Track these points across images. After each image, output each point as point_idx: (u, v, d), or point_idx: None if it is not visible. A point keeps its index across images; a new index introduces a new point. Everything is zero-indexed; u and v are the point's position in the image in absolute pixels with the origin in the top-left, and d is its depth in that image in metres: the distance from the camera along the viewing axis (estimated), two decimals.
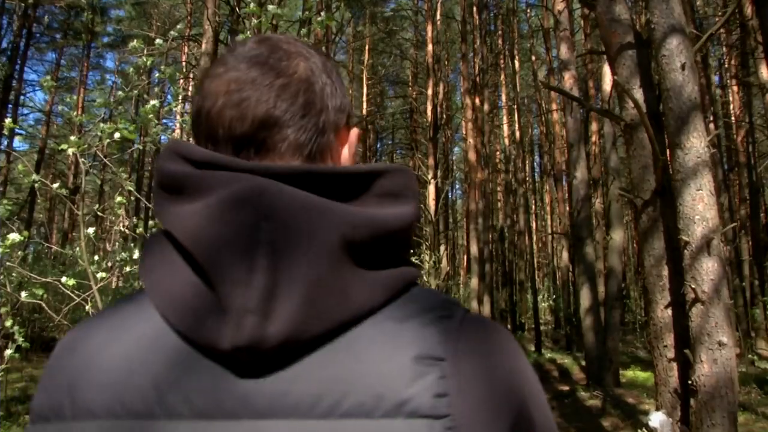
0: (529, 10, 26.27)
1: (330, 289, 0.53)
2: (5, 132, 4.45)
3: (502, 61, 24.67)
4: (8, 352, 3.96)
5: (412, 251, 0.63)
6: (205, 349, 0.54)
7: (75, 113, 4.28)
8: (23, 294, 4.00)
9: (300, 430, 0.51)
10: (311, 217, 0.54)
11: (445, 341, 0.55)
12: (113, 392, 0.55)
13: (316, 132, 0.65)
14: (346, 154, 0.70)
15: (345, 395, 0.51)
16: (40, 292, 4.01)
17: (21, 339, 3.99)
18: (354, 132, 0.71)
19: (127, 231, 4.64)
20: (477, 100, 19.61)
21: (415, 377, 0.52)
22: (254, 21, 4.02)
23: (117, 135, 3.94)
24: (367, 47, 26.89)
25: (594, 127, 17.89)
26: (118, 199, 4.42)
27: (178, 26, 5.31)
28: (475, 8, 20.96)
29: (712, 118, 16.00)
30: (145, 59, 4.30)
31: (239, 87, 0.63)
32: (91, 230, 4.11)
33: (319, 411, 0.51)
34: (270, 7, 3.92)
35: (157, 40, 4.37)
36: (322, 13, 4.05)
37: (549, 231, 29.58)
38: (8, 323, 3.96)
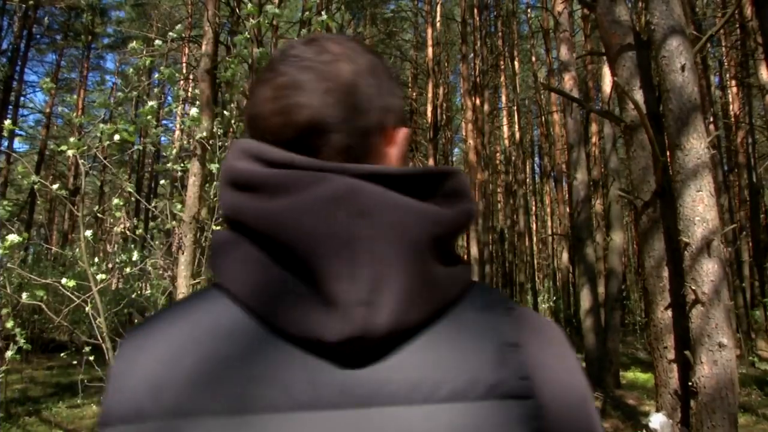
0: (529, 11, 26.28)
1: (423, 282, 0.57)
2: (5, 133, 4.45)
3: (502, 63, 24.68)
4: (9, 353, 3.96)
5: None
6: (301, 341, 0.55)
7: (75, 114, 4.27)
8: (24, 295, 4.00)
9: (401, 417, 0.53)
10: (403, 214, 0.57)
11: (518, 330, 0.60)
12: (204, 389, 0.54)
13: (361, 135, 0.66)
14: (394, 155, 0.70)
15: (442, 381, 0.54)
16: (41, 293, 4.01)
17: (23, 340, 3.99)
18: (403, 131, 0.71)
19: (127, 233, 4.64)
20: (477, 101, 19.62)
21: (502, 362, 0.56)
22: (252, 21, 4.02)
23: (116, 137, 3.95)
24: None
25: (594, 128, 17.89)
26: (116, 201, 4.42)
27: (178, 27, 5.31)
28: (475, 9, 20.98)
29: (711, 119, 16.00)
30: (144, 60, 4.30)
31: (285, 93, 0.64)
32: (89, 232, 4.11)
33: (418, 397, 0.54)
34: (268, 7, 3.92)
35: (157, 41, 4.37)
36: (323, 13, 4.04)
37: (549, 232, 29.59)
38: (9, 324, 3.96)
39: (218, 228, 4.79)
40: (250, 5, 4.00)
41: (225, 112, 4.83)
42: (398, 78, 0.75)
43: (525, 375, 0.56)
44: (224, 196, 0.63)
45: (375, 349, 0.55)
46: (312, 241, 0.55)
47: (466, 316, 0.59)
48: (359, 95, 0.66)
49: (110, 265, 4.72)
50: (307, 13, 4.80)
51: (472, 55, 20.72)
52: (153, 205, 5.38)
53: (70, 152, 3.82)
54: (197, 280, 4.33)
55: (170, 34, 4.58)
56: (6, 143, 18.45)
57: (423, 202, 0.60)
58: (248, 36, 4.27)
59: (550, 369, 0.59)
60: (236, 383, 0.54)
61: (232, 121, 4.79)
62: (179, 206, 4.65)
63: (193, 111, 4.21)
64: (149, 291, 5.24)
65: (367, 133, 0.66)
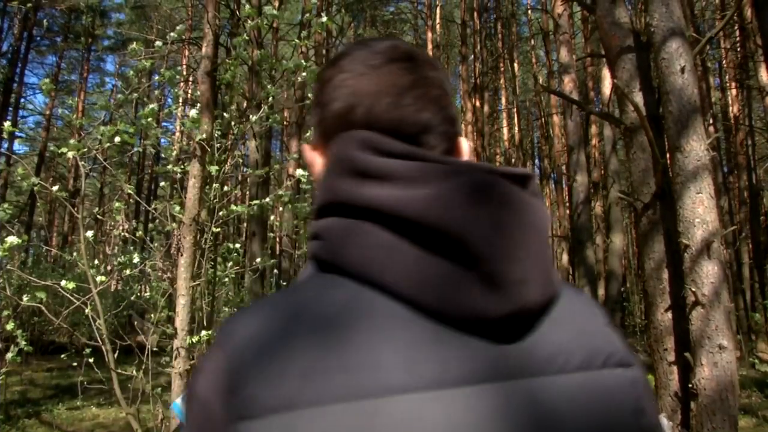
0: (530, 13, 26.29)
1: (549, 267, 0.62)
2: (5, 135, 4.45)
3: (501, 65, 24.69)
4: (9, 355, 3.95)
5: None
6: (459, 320, 0.57)
7: (75, 116, 4.28)
8: (24, 297, 4.00)
9: (543, 387, 0.58)
10: (530, 207, 0.62)
11: (604, 313, 0.69)
12: (361, 372, 0.54)
13: (450, 140, 0.72)
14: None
15: (572, 353, 0.60)
16: (41, 295, 4.00)
17: (23, 342, 3.99)
18: (466, 141, 0.77)
19: (126, 234, 4.64)
20: (477, 103, 19.62)
21: (610, 335, 0.65)
22: (251, 23, 4.02)
23: (117, 138, 3.95)
24: None
25: (594, 130, 17.90)
26: (117, 204, 4.42)
27: (178, 28, 5.31)
28: (475, 12, 20.99)
29: (711, 121, 16.01)
30: (144, 62, 4.30)
31: (400, 92, 0.69)
32: (90, 233, 4.11)
33: (556, 367, 0.59)
34: (266, 8, 3.92)
35: (157, 43, 4.37)
36: (323, 14, 4.05)
37: (549, 234, 29.58)
38: (9, 326, 3.96)
39: (218, 230, 4.79)
40: (248, 7, 4.01)
41: (225, 114, 4.83)
42: None
43: (623, 348, 0.64)
44: (340, 183, 0.64)
45: (525, 325, 0.60)
46: (468, 225, 0.58)
47: (573, 299, 0.66)
48: (452, 105, 0.74)
49: (109, 267, 4.72)
50: (307, 15, 4.81)
51: (471, 57, 20.74)
52: (153, 207, 5.38)
53: (70, 154, 3.82)
54: (197, 282, 4.33)
55: (170, 35, 4.58)
56: (6, 145, 18.45)
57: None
58: (247, 38, 4.27)
59: (628, 348, 0.66)
60: (395, 364, 0.54)
61: (232, 123, 4.78)
62: (177, 208, 4.64)
63: (193, 112, 4.20)
64: (149, 293, 5.24)
65: (454, 138, 0.73)
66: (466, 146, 0.76)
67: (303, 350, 0.55)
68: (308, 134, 5.22)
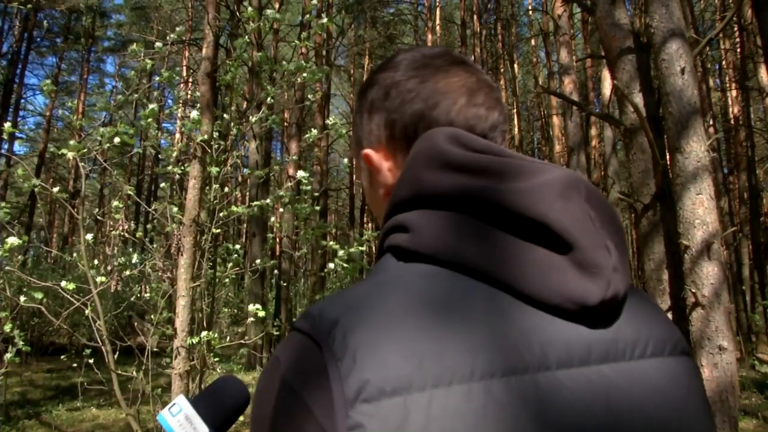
0: (531, 14, 26.29)
1: (626, 260, 0.65)
2: (4, 136, 4.45)
3: (501, 66, 24.71)
4: (8, 355, 3.95)
5: None
6: (556, 306, 0.60)
7: (75, 117, 4.28)
8: (22, 298, 4.00)
9: (631, 370, 0.62)
10: (608, 205, 0.67)
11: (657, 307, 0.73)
12: (472, 354, 0.54)
13: (505, 138, 0.79)
14: None
15: (648, 340, 0.64)
16: (39, 295, 4.00)
17: (21, 343, 3.99)
18: None
19: (126, 235, 4.64)
20: None
21: (671, 326, 0.69)
22: (252, 25, 4.02)
23: (117, 139, 3.95)
24: (367, 51, 26.94)
25: (594, 131, 17.91)
26: (115, 203, 4.42)
27: (178, 29, 5.32)
28: (474, 13, 21.00)
29: (711, 122, 16.01)
30: (145, 63, 4.30)
31: (473, 92, 0.76)
32: (90, 235, 4.11)
33: (636, 353, 0.63)
34: (268, 11, 3.92)
35: (157, 44, 4.37)
36: (323, 16, 4.05)
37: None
38: (7, 328, 3.96)
39: (218, 231, 4.79)
40: (250, 9, 4.01)
41: (225, 115, 4.83)
42: None
43: (683, 339, 0.68)
44: (429, 176, 0.67)
45: (613, 311, 0.63)
46: (566, 217, 0.61)
47: (636, 293, 0.69)
48: (504, 106, 0.80)
49: (109, 268, 4.72)
50: (307, 16, 4.81)
51: (471, 58, 20.74)
52: (153, 207, 5.38)
53: (70, 155, 3.82)
54: (197, 283, 4.33)
55: (170, 36, 4.58)
56: (6, 146, 18.46)
57: None
58: (248, 39, 4.28)
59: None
60: (506, 347, 0.56)
61: (231, 124, 4.79)
62: (176, 209, 4.64)
63: (194, 113, 4.21)
64: (149, 294, 5.24)
65: (505, 138, 0.79)
66: None
67: (417, 334, 0.54)
68: (309, 135, 5.22)
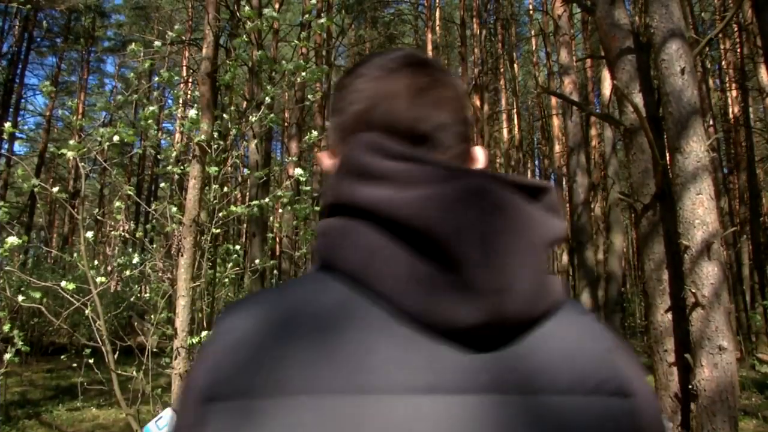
0: (531, 14, 26.28)
1: (543, 280, 0.60)
2: (4, 136, 4.46)
3: (501, 66, 24.70)
4: (7, 356, 3.95)
5: None
6: (436, 327, 0.56)
7: (75, 117, 4.28)
8: (20, 298, 4.00)
9: (523, 405, 0.55)
10: (527, 215, 0.61)
11: (611, 338, 0.64)
12: (318, 368, 0.55)
13: (467, 142, 0.74)
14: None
15: (559, 373, 0.57)
16: (37, 295, 4.00)
17: (20, 343, 3.99)
18: (481, 149, 0.79)
19: (126, 235, 4.64)
20: (477, 104, 19.62)
21: (609, 360, 0.60)
22: (249, 24, 4.02)
23: (116, 138, 3.95)
24: (367, 51, 26.94)
25: (594, 131, 17.90)
26: (116, 204, 4.42)
27: (177, 27, 5.32)
28: (474, 13, 21.00)
29: (711, 122, 16.01)
30: (144, 63, 4.30)
31: (417, 92, 0.71)
32: (90, 234, 4.11)
33: (538, 386, 0.56)
34: (266, 11, 3.91)
35: (156, 43, 4.37)
36: (323, 15, 4.05)
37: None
38: (6, 327, 3.96)
39: (218, 231, 4.79)
40: (248, 8, 4.01)
41: (224, 115, 4.83)
42: None
43: (626, 375, 0.60)
44: (344, 185, 0.65)
45: (502, 337, 0.58)
46: (452, 229, 0.57)
47: (572, 318, 0.63)
48: (467, 108, 0.75)
49: (109, 268, 4.72)
50: (306, 16, 4.81)
51: (471, 57, 20.74)
52: (153, 208, 5.38)
53: (69, 155, 3.82)
54: (197, 283, 4.32)
55: (169, 34, 4.58)
56: (6, 146, 18.46)
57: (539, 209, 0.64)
58: (247, 39, 4.28)
59: (636, 376, 0.62)
60: (353, 365, 0.55)
61: (230, 124, 4.79)
62: (174, 209, 4.64)
63: (192, 113, 4.20)
64: (149, 294, 5.23)
65: (468, 141, 0.75)
66: (481, 154, 0.78)
67: (294, 345, 0.56)
68: (308, 137, 5.22)
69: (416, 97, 0.71)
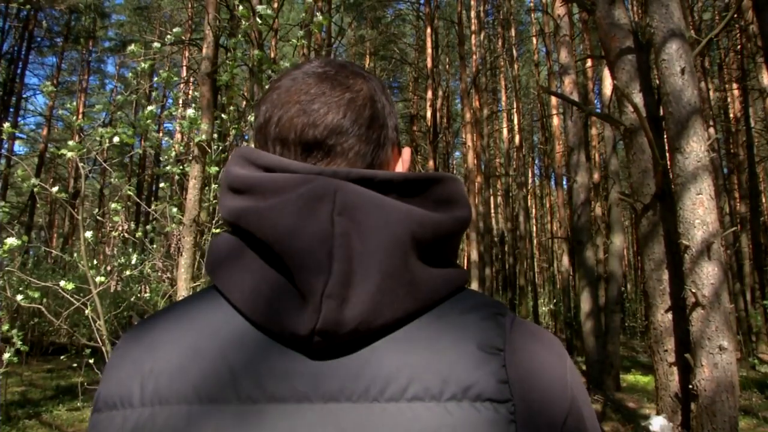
0: (533, 14, 26.28)
1: (400, 280, 0.57)
2: (4, 136, 4.47)
3: (501, 65, 24.69)
4: (6, 355, 3.95)
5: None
6: (280, 335, 0.57)
7: (75, 117, 4.28)
8: (19, 297, 3.99)
9: (369, 413, 0.54)
10: (382, 213, 0.59)
11: (504, 335, 0.59)
12: (183, 377, 0.58)
13: (378, 145, 0.70)
14: (400, 169, 0.75)
15: (412, 380, 0.55)
16: (36, 295, 4.00)
17: (19, 342, 3.98)
18: (407, 150, 0.77)
19: (126, 235, 4.64)
20: (477, 104, 19.63)
21: (480, 364, 0.56)
22: (244, 23, 4.01)
23: (116, 139, 3.94)
24: (367, 52, 26.94)
25: (594, 131, 17.90)
26: (114, 205, 4.42)
27: (176, 29, 5.30)
28: (472, 12, 21.00)
29: (712, 122, 16.01)
30: (144, 63, 4.30)
31: (311, 98, 0.69)
32: (89, 234, 4.11)
33: (388, 394, 0.54)
34: (259, 7, 3.90)
35: (155, 43, 4.38)
36: (318, 15, 4.04)
37: (549, 235, 29.58)
38: (5, 327, 3.95)
39: (218, 231, 4.79)
40: (241, 8, 4.00)
41: (223, 115, 4.83)
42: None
43: (503, 378, 0.56)
44: (223, 200, 0.66)
45: (345, 343, 0.56)
46: (288, 237, 0.57)
47: (449, 318, 0.60)
48: (377, 110, 0.71)
49: (109, 268, 4.72)
50: (303, 15, 4.81)
51: (471, 58, 20.74)
52: (153, 208, 5.38)
53: (69, 155, 3.82)
54: (197, 283, 4.32)
55: (169, 36, 4.58)
56: (6, 146, 18.46)
57: (408, 204, 0.62)
58: (241, 39, 4.28)
59: (534, 377, 0.58)
60: (217, 374, 0.57)
61: (229, 124, 4.78)
62: (175, 209, 4.64)
63: (189, 112, 4.20)
64: (148, 294, 5.23)
65: (381, 145, 0.71)
66: (406, 155, 0.76)
67: (143, 355, 0.61)
68: None
69: (310, 103, 0.68)
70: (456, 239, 0.66)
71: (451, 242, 0.65)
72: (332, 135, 0.67)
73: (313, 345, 0.56)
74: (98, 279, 4.12)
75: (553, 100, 18.46)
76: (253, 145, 0.76)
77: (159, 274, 4.66)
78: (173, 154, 5.06)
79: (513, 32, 24.51)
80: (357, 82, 0.71)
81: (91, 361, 4.32)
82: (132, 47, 4.07)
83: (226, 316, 0.61)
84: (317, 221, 0.57)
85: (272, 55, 13.24)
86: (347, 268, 0.56)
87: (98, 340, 4.05)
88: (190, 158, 4.45)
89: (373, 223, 0.58)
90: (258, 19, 3.91)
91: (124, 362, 0.62)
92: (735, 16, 12.88)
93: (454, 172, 33.13)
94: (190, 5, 22.69)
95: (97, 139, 4.07)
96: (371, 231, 0.58)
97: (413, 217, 0.60)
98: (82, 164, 4.13)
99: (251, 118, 4.76)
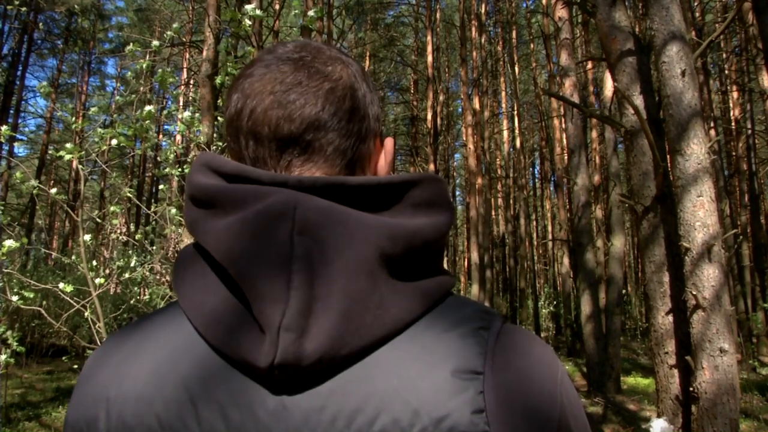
0: (529, 16, 26.31)
1: (367, 304, 0.53)
2: (2, 139, 4.46)
3: (502, 67, 24.71)
4: (3, 357, 3.95)
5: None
6: (241, 365, 0.54)
7: (74, 119, 4.28)
8: (15, 298, 3.99)
9: None
10: (346, 230, 0.54)
11: (484, 353, 0.54)
12: (147, 405, 0.55)
13: (358, 138, 0.65)
14: (382, 162, 0.70)
15: (380, 411, 0.51)
16: (31, 295, 4.00)
17: (15, 344, 3.98)
18: (390, 141, 0.71)
19: (125, 237, 4.64)
20: (477, 106, 19.64)
21: (454, 392, 0.52)
22: (246, 23, 4.01)
23: (114, 141, 3.94)
24: (368, 54, 26.97)
25: (595, 133, 17.89)
26: (112, 208, 4.42)
27: (175, 26, 5.30)
28: (473, 15, 21.02)
29: (712, 124, 16.00)
30: (142, 63, 4.30)
31: (286, 88, 0.63)
32: (88, 237, 4.10)
33: (354, 427, 0.51)
34: (248, 6, 3.88)
35: (154, 42, 4.37)
36: (312, 12, 4.02)
37: (550, 237, 29.58)
38: (1, 329, 3.95)
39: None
40: (229, 11, 4.00)
41: (219, 117, 4.83)
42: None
43: (480, 407, 0.51)
44: (186, 210, 0.62)
45: (309, 376, 0.52)
46: (245, 261, 0.53)
47: (423, 340, 0.55)
48: (358, 99, 0.66)
49: (107, 271, 4.72)
50: (295, 12, 4.81)
51: (472, 59, 20.75)
52: (153, 209, 5.37)
53: (67, 157, 3.82)
54: None
55: (168, 33, 4.57)
56: (7, 147, 18.48)
57: (379, 215, 0.58)
58: (232, 42, 4.28)
59: (517, 400, 0.54)
60: (179, 402, 0.55)
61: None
62: (174, 210, 4.64)
63: (185, 114, 4.20)
64: (147, 296, 5.23)
65: (362, 137, 0.66)
66: (389, 145, 0.71)
67: (96, 381, 0.60)
68: None
69: (285, 94, 0.63)
70: (437, 245, 0.61)
71: (431, 250, 0.60)
72: (310, 130, 0.62)
73: (274, 378, 0.52)
74: (98, 281, 4.12)
75: (554, 102, 18.46)
76: None
77: (158, 276, 4.66)
78: (172, 156, 5.06)
79: (514, 34, 24.55)
80: (336, 68, 0.65)
81: None
82: (130, 46, 4.07)
83: (188, 338, 0.58)
84: (275, 242, 0.53)
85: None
86: (306, 296, 0.52)
87: (98, 342, 4.05)
88: (188, 160, 4.45)
89: (337, 242, 0.53)
90: (248, 21, 3.90)
91: (90, 385, 0.60)
92: (735, 18, 12.88)
93: (455, 174, 33.13)
94: (191, 7, 22.72)
95: (96, 140, 4.07)
96: (334, 250, 0.53)
97: (382, 232, 0.55)
98: (80, 166, 4.13)
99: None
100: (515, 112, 25.12)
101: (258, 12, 3.86)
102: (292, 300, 0.51)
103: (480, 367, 0.53)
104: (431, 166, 19.42)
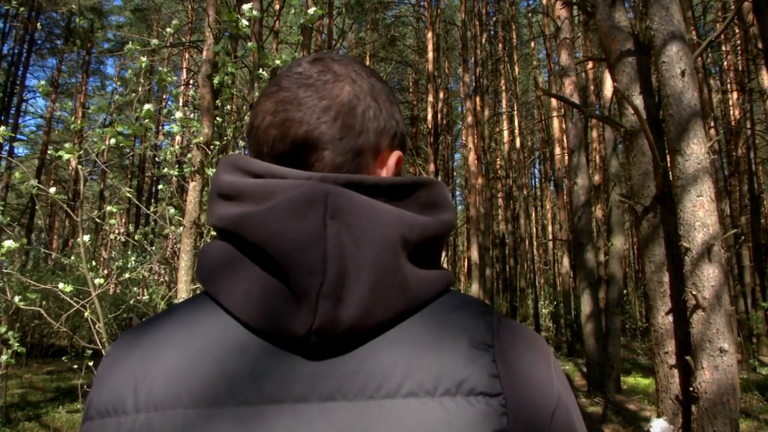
0: (530, 15, 26.31)
1: (392, 279, 0.58)
2: (1, 140, 4.47)
3: (502, 67, 24.71)
4: (3, 357, 3.94)
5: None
6: (277, 337, 0.58)
7: (74, 119, 4.28)
8: (16, 299, 3.99)
9: (366, 410, 0.55)
10: (373, 215, 0.60)
11: (492, 330, 0.61)
12: (179, 382, 0.58)
13: (353, 154, 0.68)
14: (384, 176, 0.72)
15: (407, 376, 0.56)
16: (32, 296, 4.00)
17: (16, 344, 3.98)
18: (395, 155, 0.74)
19: (124, 237, 4.64)
20: (477, 106, 19.63)
21: (471, 359, 0.58)
22: (245, 24, 4.00)
23: (113, 141, 3.94)
24: (368, 54, 26.97)
25: (595, 133, 17.90)
26: (109, 208, 4.41)
27: (174, 22, 5.29)
28: (475, 15, 21.02)
29: (712, 124, 16.01)
30: (141, 62, 4.30)
31: (284, 107, 0.68)
32: (87, 237, 4.10)
33: (384, 391, 0.55)
34: (245, 6, 3.88)
35: (153, 41, 4.37)
36: (312, 9, 4.01)
37: (550, 237, 29.58)
38: (2, 329, 3.95)
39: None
40: (225, 12, 3.99)
41: (218, 117, 4.82)
42: (398, 103, 0.78)
43: (494, 373, 0.57)
44: (213, 207, 0.66)
45: (341, 342, 0.57)
46: (282, 239, 0.57)
47: (439, 316, 0.61)
48: (355, 116, 0.69)
49: (106, 271, 4.72)
50: (293, 11, 4.80)
51: (472, 59, 20.75)
52: (152, 209, 5.37)
53: (66, 157, 3.82)
54: (197, 285, 4.32)
55: (167, 30, 4.56)
56: (7, 147, 18.47)
57: (396, 207, 0.63)
58: (226, 44, 4.27)
59: (522, 371, 0.60)
60: (212, 377, 0.57)
61: (224, 125, 4.78)
62: (172, 210, 4.64)
63: (178, 114, 4.20)
64: (147, 296, 5.23)
65: (360, 153, 0.69)
66: (392, 161, 0.73)
67: (135, 362, 0.61)
68: None
69: (283, 113, 0.67)
70: (441, 242, 0.67)
71: (436, 245, 0.66)
72: (302, 149, 0.67)
73: (310, 345, 0.56)
74: (97, 281, 4.12)
75: (554, 102, 18.46)
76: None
77: (156, 276, 4.66)
78: (170, 156, 5.06)
79: (514, 34, 24.55)
80: (337, 86, 0.69)
81: (91, 363, 4.31)
82: (129, 45, 4.06)
83: (221, 323, 0.61)
84: (309, 224, 0.58)
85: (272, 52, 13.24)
86: (341, 269, 0.56)
87: (98, 342, 4.05)
88: (187, 159, 4.45)
89: (364, 225, 0.59)
90: (245, 21, 3.90)
91: (116, 369, 0.62)
92: (735, 18, 12.89)
93: (455, 174, 33.13)
94: (190, 7, 22.72)
95: (95, 140, 4.07)
96: (363, 232, 0.59)
97: (402, 219, 0.61)
98: (80, 166, 4.13)
99: (248, 119, 4.76)
100: (515, 112, 25.11)
101: (255, 12, 3.86)
102: (329, 271, 0.56)
103: (490, 341, 0.60)
104: (431, 166, 19.42)
